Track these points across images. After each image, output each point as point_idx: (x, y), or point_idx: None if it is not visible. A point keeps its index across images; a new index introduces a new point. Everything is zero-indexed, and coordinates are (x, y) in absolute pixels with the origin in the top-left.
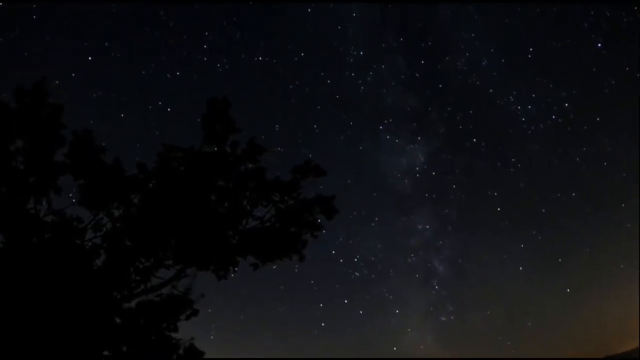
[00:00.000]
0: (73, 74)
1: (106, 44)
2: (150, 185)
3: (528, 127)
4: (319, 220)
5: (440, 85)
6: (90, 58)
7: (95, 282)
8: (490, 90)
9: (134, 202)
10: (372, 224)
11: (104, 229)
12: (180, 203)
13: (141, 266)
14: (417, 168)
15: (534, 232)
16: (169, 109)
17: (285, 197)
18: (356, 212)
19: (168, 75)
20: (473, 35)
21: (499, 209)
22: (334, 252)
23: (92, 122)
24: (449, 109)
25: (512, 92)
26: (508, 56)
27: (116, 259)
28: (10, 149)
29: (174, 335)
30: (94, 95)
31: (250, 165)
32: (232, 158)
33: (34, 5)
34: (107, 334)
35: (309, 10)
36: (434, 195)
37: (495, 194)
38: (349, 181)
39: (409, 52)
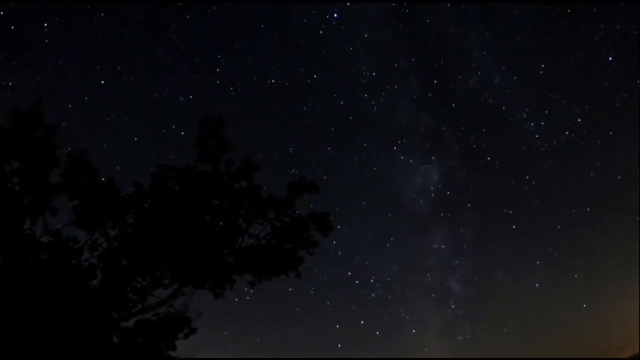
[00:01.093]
0: (86, 97)
1: (118, 67)
2: (146, 205)
3: (541, 143)
4: (314, 237)
5: (453, 105)
6: (102, 82)
7: (93, 301)
8: (503, 108)
9: (130, 222)
10: (388, 245)
11: (100, 248)
12: (176, 222)
13: (138, 285)
14: (432, 188)
15: (550, 248)
16: (182, 133)
17: (281, 215)
18: (372, 234)
19: (181, 98)
20: (485, 53)
21: (514, 227)
22: (349, 273)
23: (105, 145)
24: (462, 128)
25: (525, 109)
26: (519, 73)
27: (113, 278)
28: (5, 170)
29: (172, 354)
30: (107, 119)
31: (245, 184)
32: (226, 177)
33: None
34: (105, 354)
35: (321, 32)
36: (449, 215)
37: (510, 211)
38: (364, 203)
39: (421, 71)
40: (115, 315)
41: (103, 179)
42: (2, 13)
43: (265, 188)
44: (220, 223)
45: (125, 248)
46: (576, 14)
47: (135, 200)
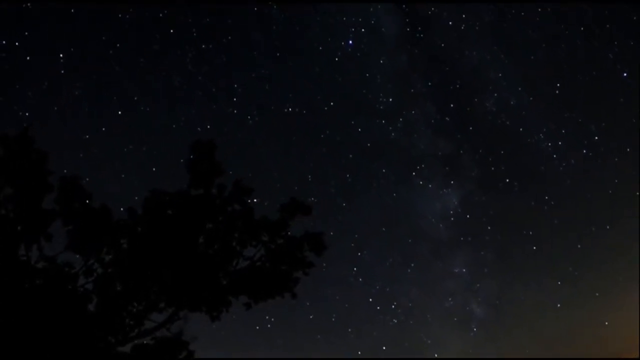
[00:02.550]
0: (103, 128)
1: (135, 97)
2: (139, 230)
3: (559, 163)
4: (308, 258)
5: (471, 128)
6: (119, 112)
7: (89, 326)
8: (520, 129)
9: (124, 247)
10: (409, 270)
11: (95, 274)
12: (169, 247)
13: (134, 310)
14: (452, 212)
15: (571, 268)
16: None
17: (274, 237)
18: (392, 259)
19: (198, 128)
20: (500, 75)
21: (534, 248)
22: (371, 300)
23: (123, 175)
24: (480, 151)
25: (542, 130)
26: (535, 94)
27: (108, 303)
28: None
29: None
30: (125, 149)
31: (238, 207)
32: (219, 201)
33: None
34: None
35: (336, 59)
36: (469, 238)
37: (531, 232)
38: (384, 229)
39: (438, 96)
40: (113, 340)
41: (95, 205)
42: (17, 43)
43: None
44: (215, 246)
45: (120, 273)
46: (590, 31)
47: (128, 225)
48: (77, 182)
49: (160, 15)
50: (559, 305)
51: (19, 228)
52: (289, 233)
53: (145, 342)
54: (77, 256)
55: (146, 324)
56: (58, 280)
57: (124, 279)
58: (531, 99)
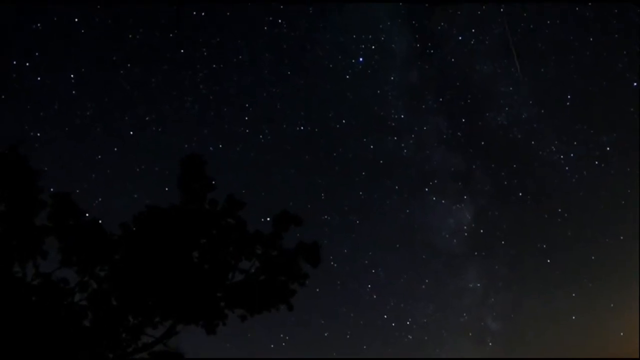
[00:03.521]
0: (115, 148)
1: (147, 118)
2: (133, 245)
3: (572, 175)
4: (303, 269)
5: (483, 143)
6: (131, 132)
7: (86, 342)
8: (532, 142)
9: (118, 263)
10: (423, 287)
11: (90, 289)
12: (163, 261)
13: (130, 325)
14: (465, 227)
15: (585, 279)
16: (213, 182)
17: (268, 249)
18: (406, 276)
19: (211, 148)
20: (511, 89)
21: (548, 261)
22: (385, 317)
23: (135, 195)
24: (493, 165)
25: (554, 142)
26: (546, 106)
27: (104, 318)
28: None
29: None
30: (137, 170)
31: (231, 221)
32: (211, 216)
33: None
34: None
35: (347, 77)
36: (483, 253)
37: (544, 245)
38: (397, 245)
39: (449, 111)
40: (110, 356)
41: (87, 220)
42: (28, 64)
43: (298, 235)
44: (209, 260)
45: (114, 288)
46: (598, 42)
47: (122, 240)
48: (69, 199)
49: (171, 35)
50: (573, 317)
51: (13, 245)
52: (283, 245)
53: (143, 357)
54: (73, 272)
55: (143, 338)
56: (53, 297)
57: (118, 293)
58: (542, 111)
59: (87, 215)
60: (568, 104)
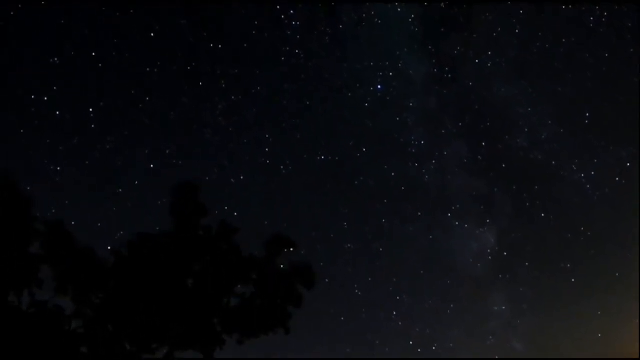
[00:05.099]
0: (136, 182)
1: (167, 151)
2: (127, 273)
3: (593, 192)
4: (299, 291)
5: (504, 165)
6: (152, 165)
7: None
8: (553, 162)
9: (112, 290)
10: (448, 312)
11: (86, 316)
12: (158, 288)
13: (127, 351)
14: (489, 250)
15: (610, 297)
16: (235, 214)
17: (263, 274)
18: (431, 301)
19: (232, 180)
20: (529, 110)
21: (573, 280)
22: (411, 343)
23: (157, 227)
24: (514, 187)
25: (574, 161)
26: (566, 125)
27: (101, 345)
28: None
29: None
30: (158, 203)
31: (225, 247)
32: (205, 242)
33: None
34: None
35: (366, 104)
36: (507, 276)
37: (569, 265)
38: (422, 272)
39: (469, 135)
40: None
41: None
42: (46, 98)
43: (321, 264)
44: (204, 286)
45: (109, 314)
46: (614, 56)
47: (115, 268)
48: (61, 227)
49: (189, 68)
50: (599, 334)
51: (8, 274)
52: (275, 269)
53: None
54: (69, 299)
55: None
56: (50, 324)
57: (114, 320)
58: (562, 131)
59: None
60: (587, 121)
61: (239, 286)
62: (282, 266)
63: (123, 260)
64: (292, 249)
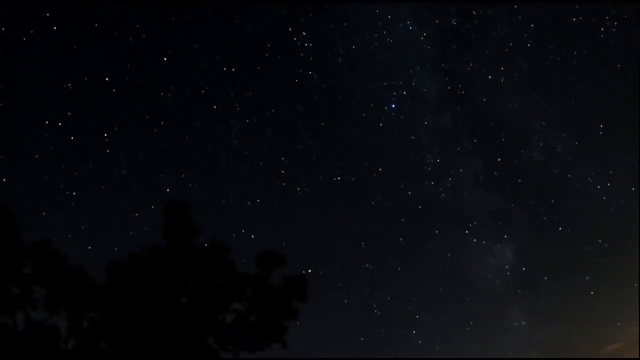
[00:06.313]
0: (152, 206)
1: (183, 175)
2: (119, 292)
3: (610, 204)
4: (294, 305)
5: (520, 180)
6: (168, 190)
7: None
8: (569, 176)
9: (105, 308)
10: (468, 329)
11: (81, 335)
12: (151, 306)
13: None
14: (507, 266)
15: (629, 308)
16: (252, 236)
17: (257, 290)
18: (450, 318)
19: (249, 203)
20: (544, 124)
21: (592, 293)
22: None
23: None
24: (531, 202)
25: (590, 173)
26: (581, 138)
27: None
28: None
29: None
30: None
31: (219, 265)
32: (198, 261)
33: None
34: None
35: (381, 125)
36: (526, 291)
37: (587, 278)
38: (441, 290)
39: (484, 152)
40: None
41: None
42: (60, 124)
43: (340, 285)
44: (199, 304)
45: (103, 333)
46: (625, 67)
47: (107, 288)
48: (50, 247)
49: (203, 92)
50: (619, 345)
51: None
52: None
53: None
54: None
55: None
56: (45, 344)
57: (108, 338)
58: (576, 143)
59: None
60: (601, 133)
61: (234, 303)
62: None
63: (117, 279)
64: (283, 264)
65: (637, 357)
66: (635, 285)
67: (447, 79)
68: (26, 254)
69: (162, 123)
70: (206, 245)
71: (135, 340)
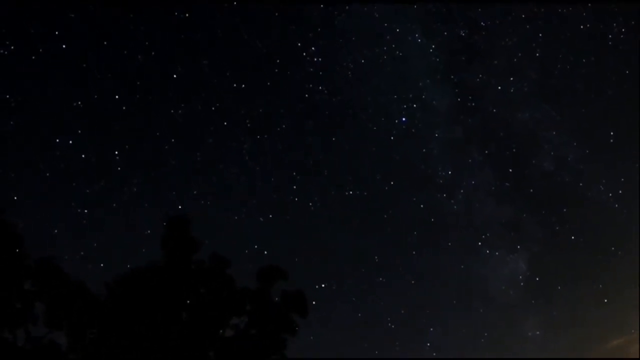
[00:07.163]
0: (165, 223)
1: (194, 192)
2: (119, 307)
3: (621, 211)
4: (293, 318)
5: (531, 190)
6: (180, 207)
7: None
8: (580, 184)
9: (106, 324)
10: (482, 340)
11: (81, 351)
12: (152, 323)
13: None
14: (521, 277)
15: None
16: (265, 252)
17: (257, 304)
18: (465, 330)
19: (261, 218)
20: (554, 133)
21: (605, 300)
22: None
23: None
24: (543, 212)
25: (602, 181)
26: (591, 146)
27: None
28: None
29: None
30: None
31: (219, 280)
32: (198, 276)
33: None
34: None
35: (392, 138)
36: (541, 301)
37: (600, 286)
38: (454, 302)
39: (496, 162)
40: None
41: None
42: (71, 142)
43: (353, 299)
44: (199, 319)
45: (105, 350)
46: (635, 74)
47: (107, 304)
48: (52, 263)
49: (213, 108)
50: (637, 355)
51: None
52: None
53: None
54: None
55: None
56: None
57: (109, 355)
58: (587, 151)
59: None
60: (611, 140)
61: (234, 318)
62: (276, 299)
63: (117, 294)
64: (284, 278)
65: None
66: None
67: (457, 90)
68: (28, 270)
69: (173, 140)
70: (204, 260)
71: (135, 355)
